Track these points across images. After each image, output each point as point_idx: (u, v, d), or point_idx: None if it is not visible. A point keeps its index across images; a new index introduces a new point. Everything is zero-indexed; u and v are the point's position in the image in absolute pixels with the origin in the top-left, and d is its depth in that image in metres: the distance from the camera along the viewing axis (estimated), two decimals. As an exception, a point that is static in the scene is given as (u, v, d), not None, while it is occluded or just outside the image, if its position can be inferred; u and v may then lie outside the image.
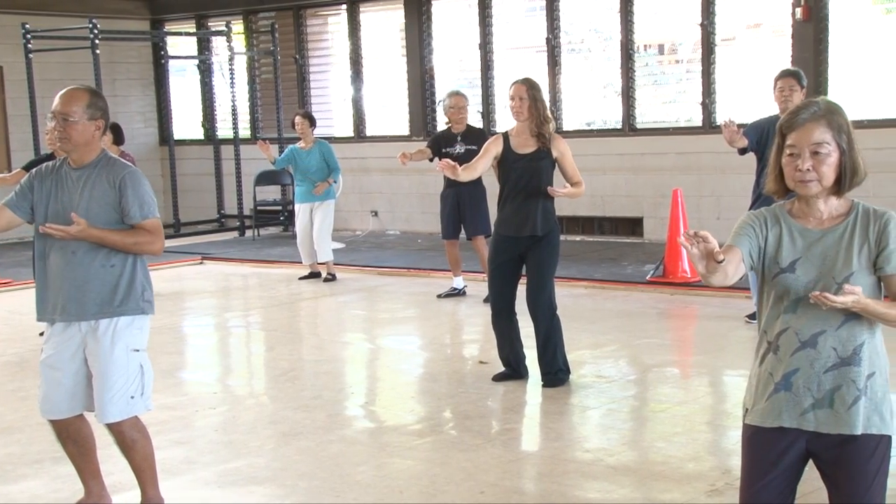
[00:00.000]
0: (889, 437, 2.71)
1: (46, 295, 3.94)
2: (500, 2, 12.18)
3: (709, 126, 10.71)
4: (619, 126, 11.43)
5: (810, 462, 2.78)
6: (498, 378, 6.01)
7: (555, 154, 5.81)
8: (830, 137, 2.65)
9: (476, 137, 8.08)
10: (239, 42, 14.18)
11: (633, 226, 11.33)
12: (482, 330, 7.31)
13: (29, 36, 12.19)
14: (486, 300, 7.31)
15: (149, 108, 15.17)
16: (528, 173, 5.77)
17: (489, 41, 12.23)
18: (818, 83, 9.81)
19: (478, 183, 8.04)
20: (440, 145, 8.31)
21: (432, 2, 12.63)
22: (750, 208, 5.71)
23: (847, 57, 10.07)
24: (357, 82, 13.38)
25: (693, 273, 8.65)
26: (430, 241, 11.84)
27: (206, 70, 14.49)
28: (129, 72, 14.89)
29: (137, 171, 3.98)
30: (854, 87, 10.07)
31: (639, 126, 11.32)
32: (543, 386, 5.84)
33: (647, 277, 8.86)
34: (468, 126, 8.48)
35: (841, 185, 2.68)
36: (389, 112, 13.32)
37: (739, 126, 6.67)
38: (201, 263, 11.39)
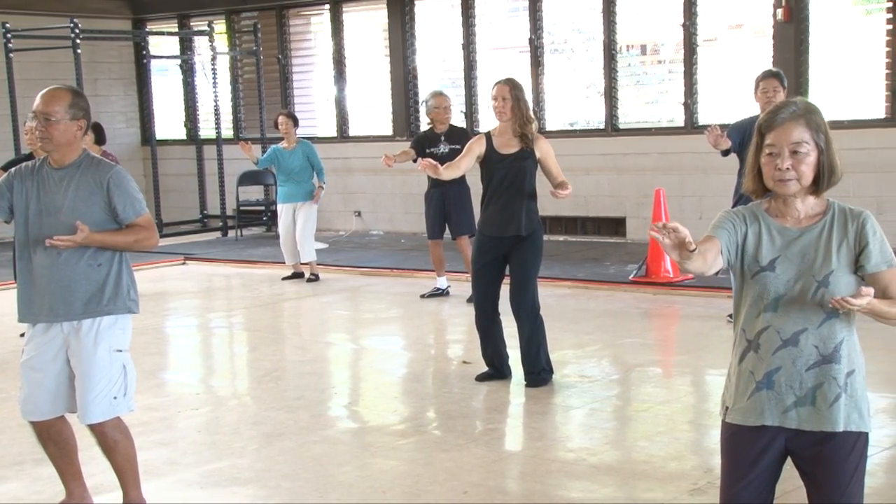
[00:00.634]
0: (867, 435, 2.73)
1: (31, 296, 3.92)
2: (483, 2, 12.19)
3: (691, 126, 10.76)
4: (601, 126, 11.47)
5: (789, 461, 2.79)
6: (481, 378, 6.02)
7: (538, 154, 5.83)
8: (809, 137, 2.67)
9: (459, 137, 8.09)
10: (221, 42, 14.13)
11: (615, 226, 11.36)
12: (466, 330, 7.32)
13: (9, 35, 12.11)
14: (469, 300, 7.32)
15: (131, 108, 15.10)
16: (511, 173, 5.78)
17: (472, 41, 12.24)
18: (799, 84, 9.86)
19: (462, 182, 8.06)
20: (424, 146, 8.31)
21: (415, 2, 12.63)
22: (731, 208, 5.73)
23: (827, 58, 10.13)
24: (340, 82, 13.36)
25: (676, 273, 8.69)
26: (414, 242, 11.84)
27: (188, 70, 14.43)
28: (111, 71, 14.82)
29: (122, 170, 3.99)
30: (834, 88, 10.13)
31: (621, 126, 11.35)
32: (527, 386, 5.85)
33: (630, 277, 8.89)
34: (451, 126, 8.48)
35: (819, 184, 2.70)
36: (373, 112, 13.31)
37: (721, 128, 6.70)
38: (184, 264, 11.35)
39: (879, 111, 9.88)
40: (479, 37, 12.24)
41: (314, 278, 9.78)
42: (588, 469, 4.57)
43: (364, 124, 13.39)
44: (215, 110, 13.70)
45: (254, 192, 13.66)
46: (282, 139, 9.90)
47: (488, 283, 5.91)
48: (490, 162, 5.82)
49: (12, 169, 4.06)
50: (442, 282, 8.76)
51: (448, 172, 5.86)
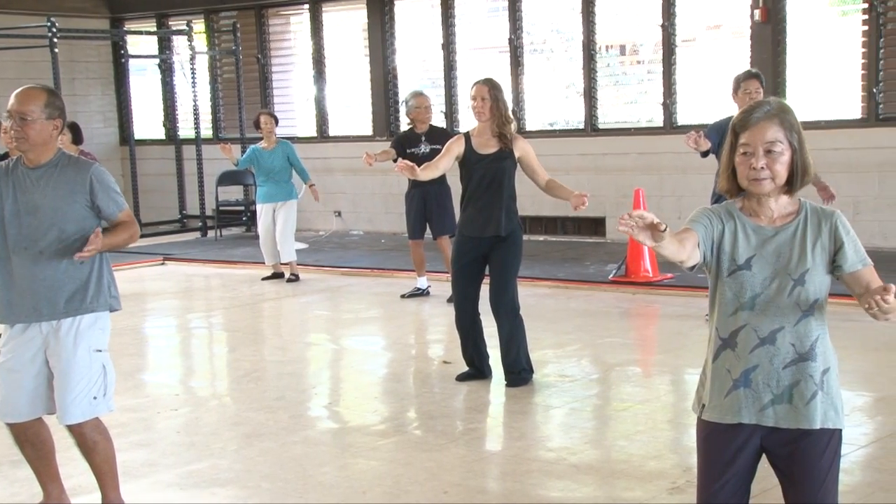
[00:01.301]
0: (841, 431, 2.75)
1: (11, 297, 3.90)
2: (462, 2, 12.20)
3: (670, 126, 10.81)
4: (581, 126, 11.50)
5: (764, 461, 2.81)
6: (462, 378, 6.02)
7: (517, 154, 5.84)
8: (783, 136, 2.69)
9: (440, 137, 8.08)
10: (200, 41, 14.07)
11: (595, 226, 11.40)
12: (446, 330, 7.32)
13: (-14, 34, 12.04)
14: (449, 300, 7.32)
15: (109, 107, 15.01)
16: (490, 173, 5.79)
17: (452, 41, 12.24)
18: (776, 84, 9.93)
19: (443, 182, 8.06)
20: (404, 146, 8.30)
21: (395, 2, 12.62)
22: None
23: (804, 58, 10.20)
24: (320, 82, 13.34)
25: (655, 272, 8.73)
26: (394, 242, 11.84)
27: (167, 69, 14.37)
28: (89, 71, 14.73)
29: (101, 168, 4.00)
30: (811, 88, 10.21)
31: (601, 126, 11.39)
32: (507, 385, 5.86)
33: (610, 277, 8.92)
34: (431, 126, 8.48)
35: (792, 183, 2.72)
36: (352, 112, 13.30)
37: (697, 129, 6.74)
38: (163, 264, 11.30)
39: (856, 112, 9.96)
40: (459, 37, 12.25)
41: (294, 278, 9.76)
42: (568, 468, 4.59)
43: (344, 124, 13.37)
44: (194, 110, 13.64)
45: (233, 193, 13.62)
46: (261, 139, 9.87)
47: (468, 283, 5.92)
48: (469, 162, 5.83)
49: None
50: (422, 282, 8.76)
51: (426, 173, 5.86)
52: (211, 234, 13.29)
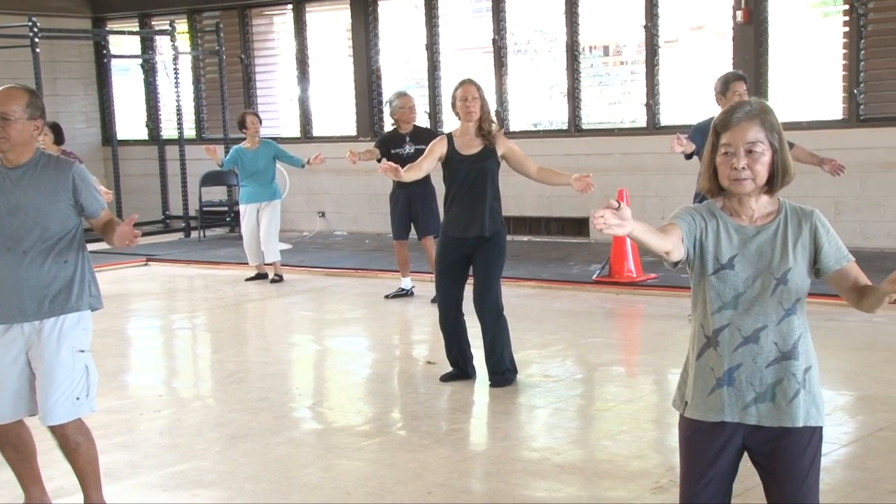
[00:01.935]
0: (822, 429, 2.77)
1: None
2: (446, 3, 12.20)
3: (653, 127, 10.85)
4: (564, 127, 11.53)
5: (746, 460, 2.82)
6: (446, 378, 6.02)
7: (501, 151, 5.85)
8: (764, 136, 2.70)
9: (424, 137, 8.07)
10: (183, 41, 14.02)
11: (579, 226, 11.42)
12: (430, 330, 7.32)
13: (-34, 34, 11.96)
14: (433, 301, 7.32)
15: (91, 107, 14.94)
16: (473, 174, 5.80)
17: (436, 42, 12.24)
18: (759, 85, 9.98)
19: (428, 183, 8.06)
20: (389, 146, 8.30)
21: (379, 2, 12.61)
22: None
23: (786, 59, 10.26)
24: (303, 82, 13.32)
25: (639, 272, 8.76)
26: (378, 242, 11.83)
27: (149, 69, 14.31)
28: (71, 71, 14.65)
29: (81, 166, 4.00)
30: (793, 89, 10.26)
31: (584, 127, 11.42)
32: (491, 386, 5.87)
33: (593, 277, 8.94)
34: (416, 126, 8.48)
35: (773, 183, 2.74)
36: (336, 112, 13.28)
37: (678, 135, 6.77)
38: (146, 265, 11.25)
39: (837, 112, 10.02)
40: (443, 37, 12.25)
41: (278, 279, 9.74)
42: (552, 468, 4.60)
43: (328, 125, 13.35)
44: (177, 110, 13.60)
45: (217, 193, 13.58)
46: (244, 139, 9.84)
47: (452, 283, 5.92)
48: (452, 163, 5.83)
49: None
50: (406, 282, 8.75)
51: (409, 174, 5.86)
52: (194, 234, 13.25)
